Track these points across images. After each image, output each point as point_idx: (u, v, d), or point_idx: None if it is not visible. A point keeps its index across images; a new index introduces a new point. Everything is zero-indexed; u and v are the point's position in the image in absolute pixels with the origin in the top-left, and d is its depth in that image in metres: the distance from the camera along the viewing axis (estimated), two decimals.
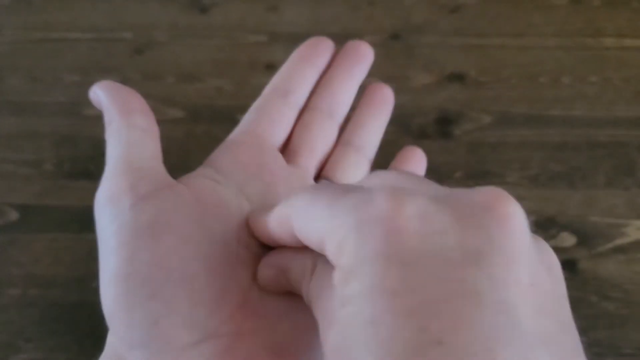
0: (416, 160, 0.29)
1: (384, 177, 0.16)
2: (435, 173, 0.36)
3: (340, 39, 0.45)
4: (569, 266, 0.32)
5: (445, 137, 0.38)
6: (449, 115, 0.39)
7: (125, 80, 0.42)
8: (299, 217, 0.16)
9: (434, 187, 0.16)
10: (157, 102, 0.40)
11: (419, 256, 0.12)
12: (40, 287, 0.32)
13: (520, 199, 0.36)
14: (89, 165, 0.37)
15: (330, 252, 0.14)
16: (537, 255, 0.15)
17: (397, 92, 0.42)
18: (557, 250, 0.32)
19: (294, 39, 0.45)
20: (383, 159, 0.37)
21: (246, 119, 0.25)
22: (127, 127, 0.21)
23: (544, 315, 0.13)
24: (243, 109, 0.42)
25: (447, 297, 0.12)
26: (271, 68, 0.42)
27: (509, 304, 0.12)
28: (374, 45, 0.45)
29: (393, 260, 0.12)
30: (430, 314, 0.12)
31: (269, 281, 0.19)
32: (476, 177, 0.36)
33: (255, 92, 0.42)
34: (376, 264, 0.13)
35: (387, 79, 0.42)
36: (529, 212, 0.36)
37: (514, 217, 0.14)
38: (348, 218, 0.14)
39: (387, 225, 0.13)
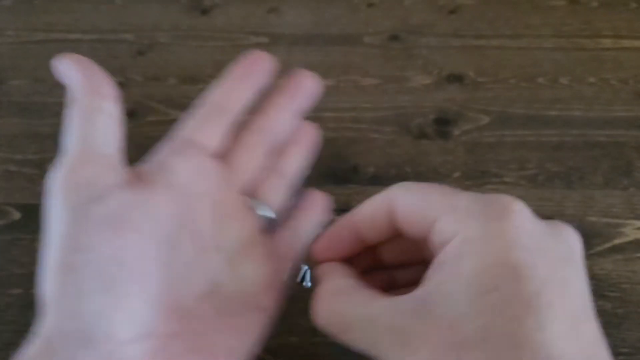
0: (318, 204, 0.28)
1: None
2: (434, 173, 0.36)
3: (340, 40, 0.45)
4: None
5: (444, 137, 0.38)
6: (447, 115, 0.39)
7: (127, 82, 0.42)
8: (409, 202, 0.20)
9: None
10: (159, 103, 0.41)
11: (532, 246, 0.18)
12: None
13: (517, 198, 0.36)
14: None
15: (442, 228, 0.19)
16: None
17: (397, 93, 0.42)
18: None
19: (295, 41, 0.45)
20: (383, 160, 0.38)
21: (187, 125, 0.25)
22: (97, 110, 0.21)
23: (592, 309, 0.19)
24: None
25: (551, 278, 0.17)
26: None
27: (584, 292, 0.19)
28: (373, 46, 0.45)
29: (516, 244, 0.17)
30: (542, 286, 0.17)
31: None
32: (474, 177, 0.36)
33: None
34: (502, 243, 0.17)
35: (386, 80, 0.42)
36: None
37: (581, 243, 0.20)
38: (473, 204, 0.19)
39: (514, 218, 0.18)
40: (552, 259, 0.18)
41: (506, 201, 0.18)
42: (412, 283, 0.19)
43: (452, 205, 0.19)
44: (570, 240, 0.19)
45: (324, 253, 0.23)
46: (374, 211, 0.21)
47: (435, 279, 0.18)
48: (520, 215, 0.18)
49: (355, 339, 0.19)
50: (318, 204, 0.27)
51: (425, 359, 0.17)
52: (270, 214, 0.25)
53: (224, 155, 0.25)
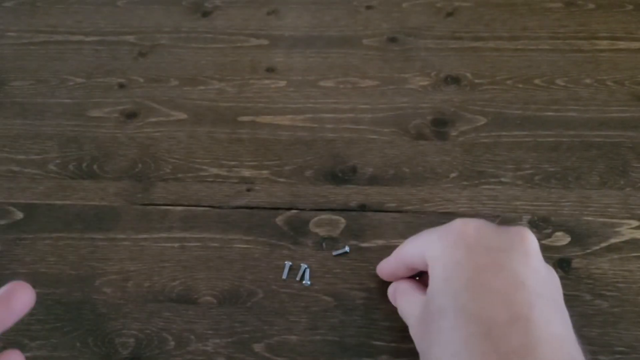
0: None
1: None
2: (431, 173, 0.36)
3: (340, 42, 0.46)
4: (563, 265, 0.32)
5: (441, 138, 0.38)
6: (445, 116, 0.39)
7: (128, 83, 0.43)
8: (409, 246, 0.29)
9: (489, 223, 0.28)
10: (160, 104, 0.41)
11: (474, 246, 0.26)
12: (44, 286, 0.32)
13: (514, 198, 0.36)
14: (93, 165, 0.38)
15: (427, 255, 0.27)
16: (544, 266, 0.27)
17: (395, 94, 0.42)
18: (551, 249, 0.33)
19: (295, 43, 0.46)
20: (381, 160, 0.38)
21: None
22: None
23: (541, 285, 0.25)
24: (244, 111, 0.42)
25: (487, 265, 0.25)
26: (272, 71, 0.43)
27: (518, 272, 0.25)
28: (372, 48, 0.46)
29: (460, 248, 0.26)
30: (480, 272, 0.25)
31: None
32: (471, 177, 0.36)
33: (256, 95, 0.43)
34: (449, 250, 0.26)
35: (385, 81, 0.43)
36: (523, 211, 0.36)
37: (531, 238, 0.26)
38: (438, 234, 0.27)
39: (457, 232, 0.26)
40: (491, 251, 0.25)
41: (456, 222, 0.27)
42: None
43: (429, 243, 0.27)
44: (513, 236, 0.26)
45: (386, 278, 0.32)
46: (394, 264, 0.31)
47: (430, 286, 0.27)
48: (461, 233, 0.26)
49: (407, 321, 0.29)
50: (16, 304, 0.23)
51: (427, 332, 0.26)
52: None
53: None
